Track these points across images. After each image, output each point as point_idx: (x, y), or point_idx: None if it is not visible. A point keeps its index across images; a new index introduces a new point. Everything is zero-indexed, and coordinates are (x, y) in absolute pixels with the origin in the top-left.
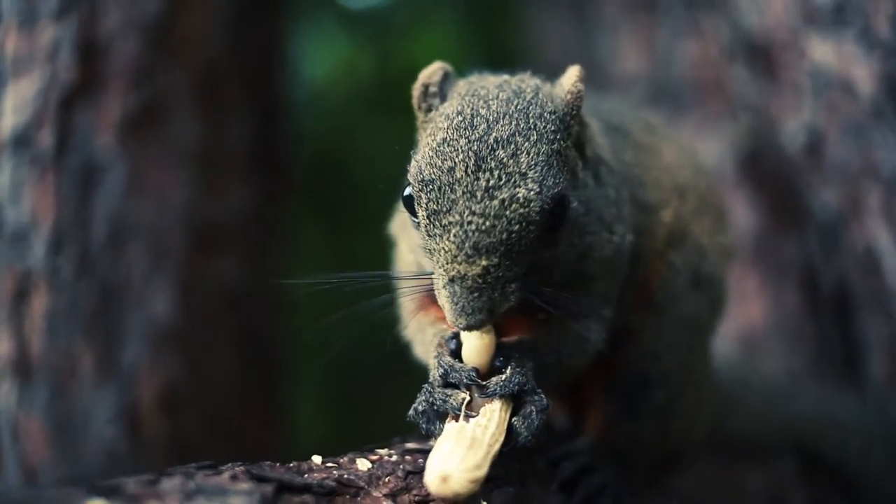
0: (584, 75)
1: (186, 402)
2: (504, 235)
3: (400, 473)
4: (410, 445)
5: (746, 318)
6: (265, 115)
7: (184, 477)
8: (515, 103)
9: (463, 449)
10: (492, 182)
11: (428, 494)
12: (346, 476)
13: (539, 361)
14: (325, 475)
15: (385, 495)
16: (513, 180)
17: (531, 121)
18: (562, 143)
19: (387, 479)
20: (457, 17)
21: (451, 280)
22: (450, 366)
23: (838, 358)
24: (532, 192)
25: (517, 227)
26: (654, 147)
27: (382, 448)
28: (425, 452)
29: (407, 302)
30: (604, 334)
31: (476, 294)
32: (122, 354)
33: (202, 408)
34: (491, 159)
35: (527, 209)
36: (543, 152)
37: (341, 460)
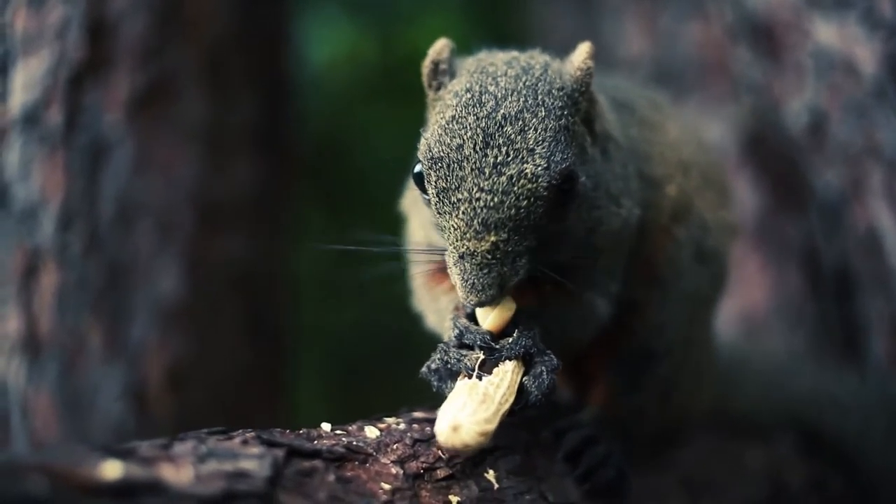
0: (594, 52)
1: (193, 380)
2: (512, 211)
3: (408, 441)
4: (418, 414)
5: (748, 298)
6: (271, 95)
7: (196, 441)
8: (524, 80)
9: (475, 403)
10: (500, 158)
11: (435, 461)
12: (354, 443)
13: (543, 328)
14: (334, 442)
15: (393, 461)
16: (521, 156)
17: (539, 97)
18: (570, 118)
19: (395, 447)
20: (460, 1)
21: (461, 257)
22: (465, 327)
23: (839, 338)
24: (540, 168)
25: (525, 202)
26: (659, 123)
27: (390, 417)
28: (432, 421)
29: (419, 275)
30: (610, 308)
31: (486, 270)
32: (129, 331)
33: (208, 385)
34: (499, 136)
35: (535, 185)
36: (551, 128)
37: (350, 428)
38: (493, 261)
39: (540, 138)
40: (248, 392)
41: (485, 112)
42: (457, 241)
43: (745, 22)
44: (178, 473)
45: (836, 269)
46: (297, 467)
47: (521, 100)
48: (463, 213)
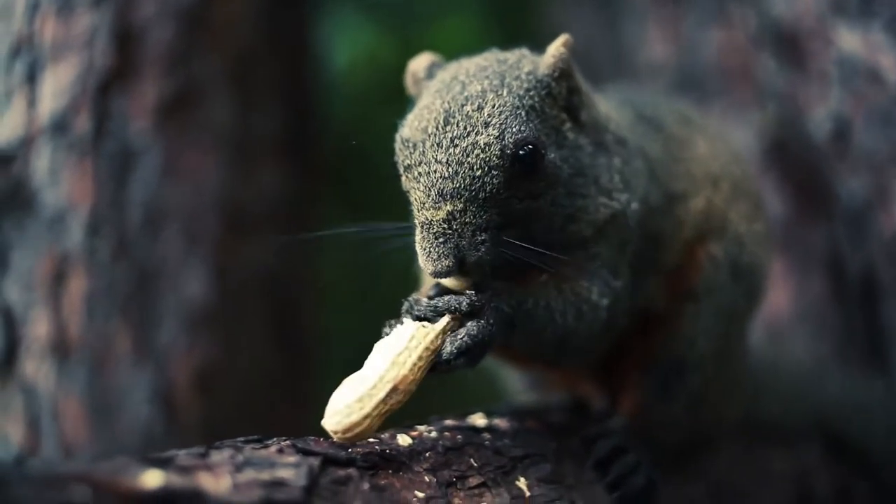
0: (571, 43)
1: (220, 384)
2: (467, 181)
3: (440, 449)
4: (448, 422)
5: (771, 305)
6: (295, 101)
7: (233, 450)
8: (494, 66)
9: (356, 383)
10: (456, 132)
11: (467, 469)
12: (387, 451)
13: (522, 312)
14: (367, 450)
15: (426, 469)
16: (476, 129)
17: (505, 79)
18: (538, 100)
19: (427, 455)
20: (478, 4)
21: (421, 227)
22: (415, 299)
23: (864, 345)
24: (491, 137)
25: (479, 171)
26: (687, 138)
27: (421, 425)
28: (463, 429)
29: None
30: (618, 305)
31: (441, 240)
32: (157, 336)
33: (235, 389)
34: (459, 114)
35: (487, 153)
36: (510, 104)
37: (383, 436)
38: (450, 231)
39: (496, 112)
40: (274, 396)
41: (451, 95)
42: (417, 211)
43: (769, 29)
44: (217, 482)
45: (861, 276)
46: (332, 476)
47: (486, 82)
48: (423, 185)
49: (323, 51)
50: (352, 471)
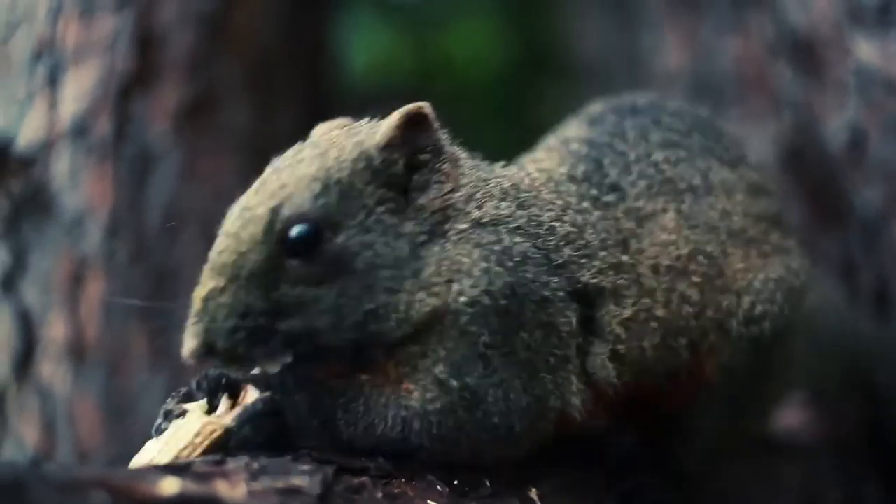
0: (428, 114)
1: None
2: (233, 256)
3: None
4: None
5: None
6: (313, 104)
7: (248, 457)
8: (341, 133)
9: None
10: (251, 202)
11: (479, 479)
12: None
13: (322, 409)
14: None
15: (438, 478)
16: (262, 200)
17: (329, 148)
18: (350, 174)
19: None
20: (494, 6)
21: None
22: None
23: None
24: (266, 209)
25: (244, 247)
26: (651, 213)
27: None
28: None
29: None
30: (489, 406)
31: (195, 319)
32: (175, 339)
33: None
34: (266, 180)
35: (256, 227)
36: (309, 174)
37: None
38: (202, 311)
39: (291, 181)
40: None
41: (280, 160)
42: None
43: (785, 38)
44: (233, 490)
45: (874, 285)
46: (346, 484)
47: (311, 149)
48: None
49: (341, 54)
50: (365, 479)
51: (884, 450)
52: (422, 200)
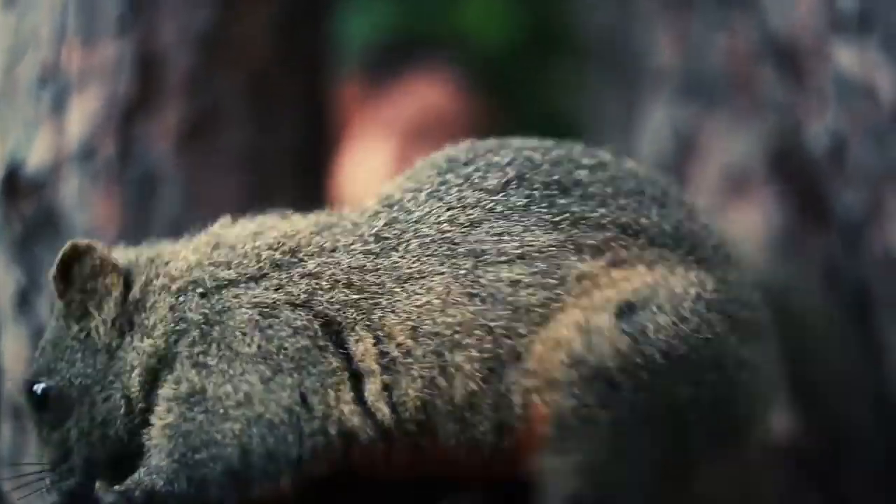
0: (74, 256)
1: None
2: None
3: None
4: None
5: None
6: (313, 118)
7: None
8: None
9: None
10: None
11: None
12: None
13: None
14: None
15: None
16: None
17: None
18: (55, 328)
19: None
20: None
21: None
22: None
23: (856, 358)
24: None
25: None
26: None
27: None
28: None
29: None
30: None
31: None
32: None
33: None
34: None
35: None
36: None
37: None
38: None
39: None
40: None
41: None
42: None
43: (768, 42)
44: None
45: (855, 290)
46: None
47: None
48: None
49: (340, 36)
50: None
51: (865, 453)
52: (103, 316)
